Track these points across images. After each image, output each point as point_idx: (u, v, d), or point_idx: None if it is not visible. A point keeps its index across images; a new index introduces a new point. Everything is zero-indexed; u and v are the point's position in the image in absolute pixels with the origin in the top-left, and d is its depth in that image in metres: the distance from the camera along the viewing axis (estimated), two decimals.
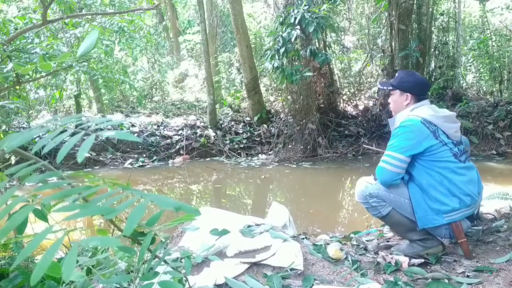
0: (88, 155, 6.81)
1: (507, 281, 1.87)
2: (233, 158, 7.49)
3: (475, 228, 2.51)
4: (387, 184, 2.18)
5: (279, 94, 8.66)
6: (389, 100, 2.37)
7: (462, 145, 2.23)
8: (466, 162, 2.19)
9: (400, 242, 2.42)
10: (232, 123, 8.48)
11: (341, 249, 2.21)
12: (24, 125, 7.16)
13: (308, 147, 7.23)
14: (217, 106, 9.14)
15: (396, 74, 2.41)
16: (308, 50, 6.53)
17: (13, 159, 4.96)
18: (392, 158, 2.13)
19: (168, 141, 7.69)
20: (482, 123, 7.20)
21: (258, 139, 7.99)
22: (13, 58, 2.82)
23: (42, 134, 0.82)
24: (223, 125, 8.30)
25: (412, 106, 2.24)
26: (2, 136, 4.22)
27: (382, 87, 2.41)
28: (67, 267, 0.61)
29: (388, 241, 2.50)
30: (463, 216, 2.13)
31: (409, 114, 2.20)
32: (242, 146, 7.83)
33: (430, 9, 8.89)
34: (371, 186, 2.24)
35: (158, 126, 8.16)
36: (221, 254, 1.98)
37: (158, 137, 7.72)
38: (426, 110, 2.19)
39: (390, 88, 2.31)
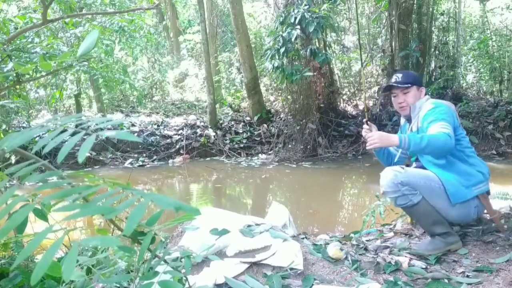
0: (88, 154, 6.81)
1: (507, 281, 1.87)
2: (233, 157, 7.49)
3: (475, 228, 2.52)
4: (449, 148, 2.09)
5: (279, 94, 8.66)
6: (404, 98, 2.41)
7: None
8: None
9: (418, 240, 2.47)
10: (232, 122, 8.47)
11: (341, 249, 2.21)
12: (24, 125, 7.16)
13: (308, 147, 7.23)
14: (217, 105, 9.14)
15: (402, 74, 2.47)
16: (308, 50, 6.53)
17: (13, 159, 4.96)
18: (447, 125, 2.13)
19: (168, 140, 7.69)
20: (482, 123, 7.19)
21: (258, 139, 7.99)
22: (13, 57, 2.82)
23: (42, 134, 0.82)
24: (223, 125, 8.30)
25: (427, 96, 2.44)
26: (2, 135, 4.22)
27: (401, 86, 2.41)
28: (67, 266, 0.61)
29: (387, 241, 2.50)
30: (487, 188, 2.29)
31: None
32: (242, 146, 7.83)
33: (430, 9, 8.89)
34: (401, 174, 2.20)
35: (158, 125, 8.16)
36: (221, 254, 1.97)
37: (158, 137, 7.72)
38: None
39: (409, 85, 2.40)
